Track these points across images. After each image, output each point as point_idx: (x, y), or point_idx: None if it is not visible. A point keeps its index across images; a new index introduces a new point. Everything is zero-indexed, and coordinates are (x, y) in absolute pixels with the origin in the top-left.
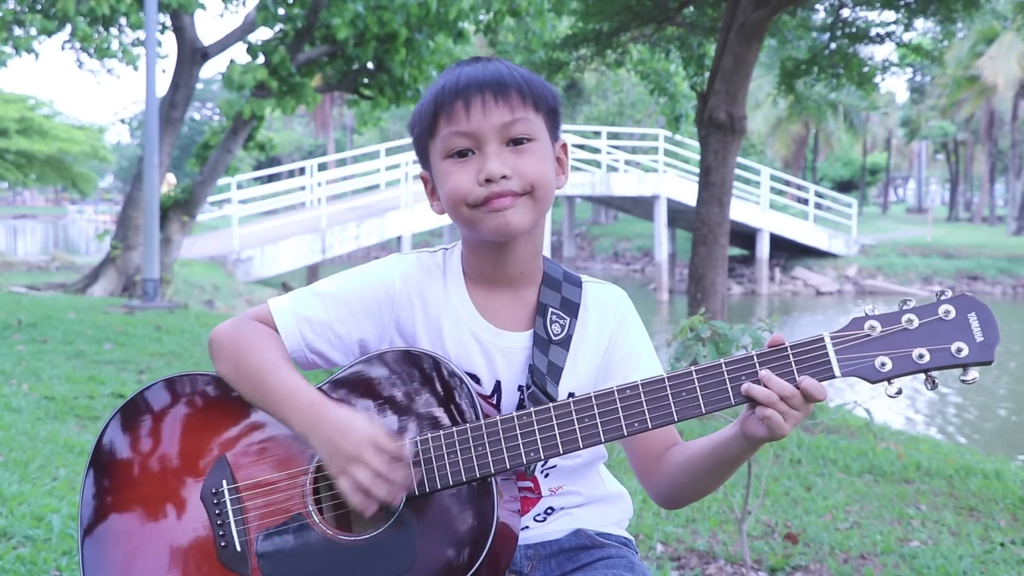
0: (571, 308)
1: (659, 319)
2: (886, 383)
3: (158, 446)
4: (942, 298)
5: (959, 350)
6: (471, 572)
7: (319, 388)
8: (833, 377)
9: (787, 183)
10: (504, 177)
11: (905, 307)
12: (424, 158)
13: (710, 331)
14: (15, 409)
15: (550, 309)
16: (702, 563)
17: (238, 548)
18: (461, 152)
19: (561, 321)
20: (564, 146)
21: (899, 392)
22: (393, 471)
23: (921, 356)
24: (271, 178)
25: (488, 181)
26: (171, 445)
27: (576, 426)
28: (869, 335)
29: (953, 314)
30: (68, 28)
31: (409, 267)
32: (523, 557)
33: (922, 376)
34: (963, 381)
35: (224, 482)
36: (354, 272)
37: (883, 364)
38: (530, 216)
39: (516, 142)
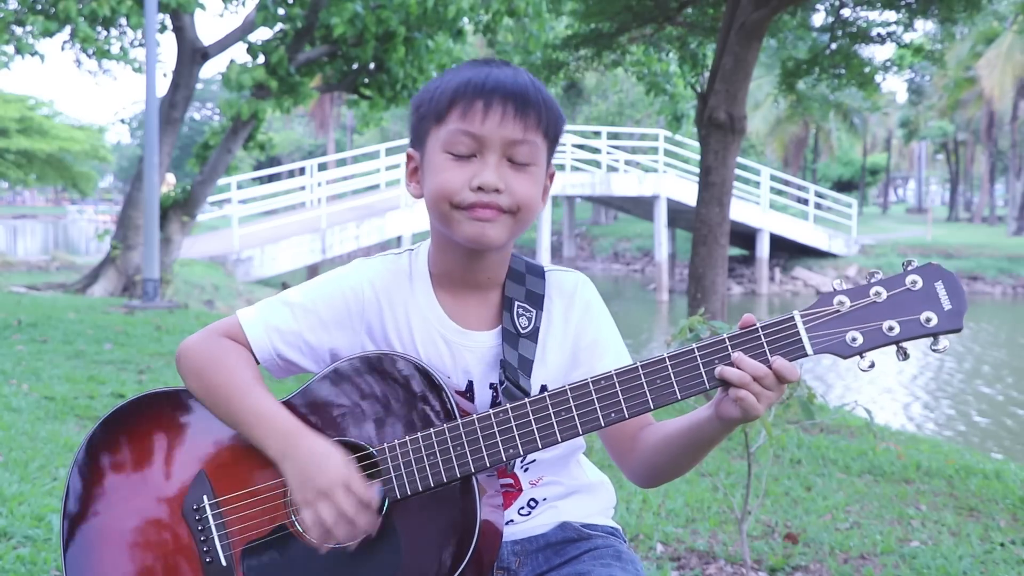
0: (536, 300)
1: (659, 319)
2: (858, 357)
3: (136, 463)
4: (909, 268)
5: (928, 320)
6: (457, 572)
7: (293, 397)
8: (805, 355)
9: (787, 183)
10: (496, 191)
11: (873, 280)
12: (420, 138)
13: (709, 332)
14: (15, 409)
15: (516, 303)
16: (702, 563)
17: (223, 563)
18: (463, 153)
19: (528, 314)
20: (552, 174)
21: (872, 366)
22: (359, 515)
23: (891, 328)
24: (271, 178)
25: (480, 189)
26: (150, 461)
27: (553, 420)
28: (839, 311)
29: (920, 284)
30: (68, 28)
31: (376, 272)
32: (510, 553)
33: (893, 348)
34: (934, 350)
35: (205, 497)
36: (322, 280)
37: (854, 339)
38: (506, 234)
39: (518, 161)
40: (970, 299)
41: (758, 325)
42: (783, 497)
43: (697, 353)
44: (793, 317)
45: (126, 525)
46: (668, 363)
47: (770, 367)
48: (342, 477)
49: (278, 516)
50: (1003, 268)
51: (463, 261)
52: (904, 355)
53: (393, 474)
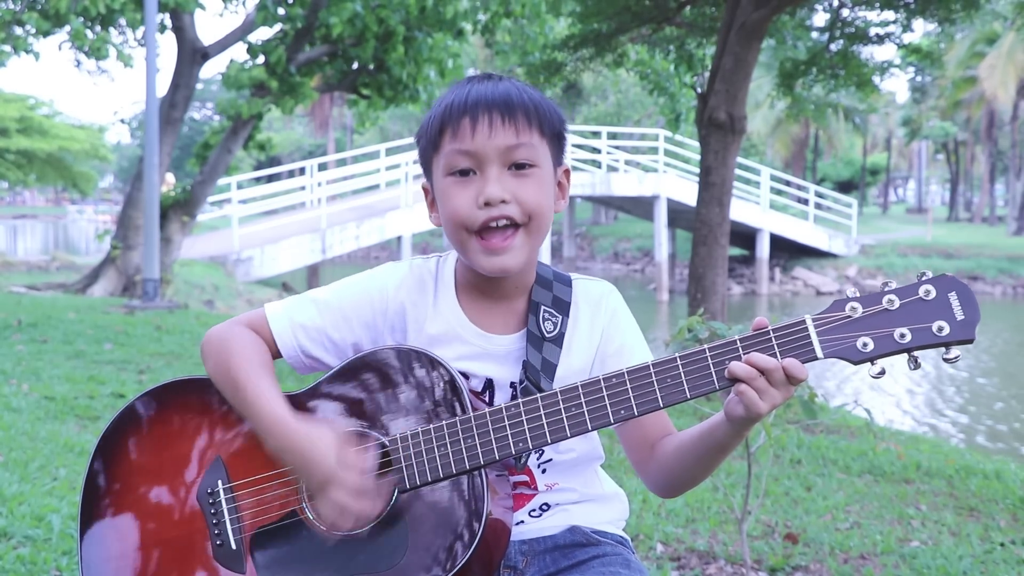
0: (562, 306)
1: (659, 319)
2: (869, 363)
3: (156, 449)
4: (923, 279)
5: (940, 329)
6: (461, 564)
7: (309, 388)
8: (816, 358)
9: (787, 183)
10: (503, 202)
11: (886, 288)
12: (427, 170)
13: (708, 332)
14: (15, 409)
15: (542, 307)
16: (702, 563)
17: (233, 547)
18: (463, 171)
19: (553, 319)
20: (567, 171)
21: (882, 372)
22: (367, 483)
23: (903, 336)
24: (271, 178)
25: (487, 204)
26: (168, 448)
27: (563, 415)
28: (851, 316)
29: (934, 294)
30: (67, 28)
31: (403, 275)
32: (517, 552)
33: (904, 356)
34: (945, 360)
35: (219, 482)
36: (349, 280)
37: (865, 344)
38: (526, 252)
39: (518, 166)
40: None
41: (770, 327)
42: (783, 497)
43: (708, 353)
44: (805, 320)
45: (143, 506)
46: (679, 362)
47: (780, 363)
48: (331, 465)
49: (289, 502)
50: (1003, 268)
51: (487, 279)
52: (915, 363)
53: (404, 464)
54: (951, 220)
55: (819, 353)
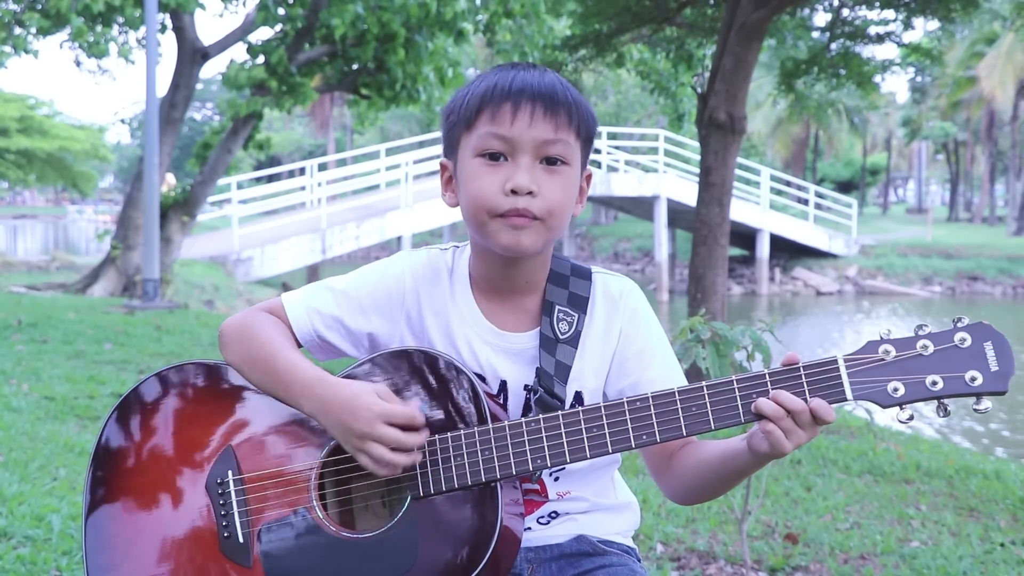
0: (579, 303)
1: (659, 319)
2: (898, 408)
3: (164, 434)
4: (959, 325)
5: (973, 379)
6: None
7: None
8: (845, 400)
9: (787, 183)
10: (530, 193)
11: (920, 332)
12: (452, 147)
13: (710, 332)
14: (15, 409)
15: (556, 307)
16: (702, 563)
17: (240, 539)
18: (494, 155)
19: (568, 319)
20: (589, 176)
21: (911, 417)
22: (408, 439)
23: (934, 383)
24: (271, 178)
25: (514, 192)
26: (177, 433)
27: (584, 435)
28: (883, 359)
29: (969, 342)
30: (68, 28)
31: (419, 264)
32: (523, 560)
33: (934, 403)
34: (976, 410)
35: (229, 472)
36: (366, 269)
37: (895, 389)
38: (541, 241)
39: (550, 161)
40: (970, 299)
41: (800, 364)
42: (783, 497)
43: (736, 385)
44: (836, 360)
45: (148, 494)
46: (705, 392)
47: (807, 405)
48: (376, 413)
49: (300, 500)
50: (1003, 268)
51: (501, 268)
52: (944, 411)
53: (418, 471)
54: (951, 220)
55: (849, 395)
